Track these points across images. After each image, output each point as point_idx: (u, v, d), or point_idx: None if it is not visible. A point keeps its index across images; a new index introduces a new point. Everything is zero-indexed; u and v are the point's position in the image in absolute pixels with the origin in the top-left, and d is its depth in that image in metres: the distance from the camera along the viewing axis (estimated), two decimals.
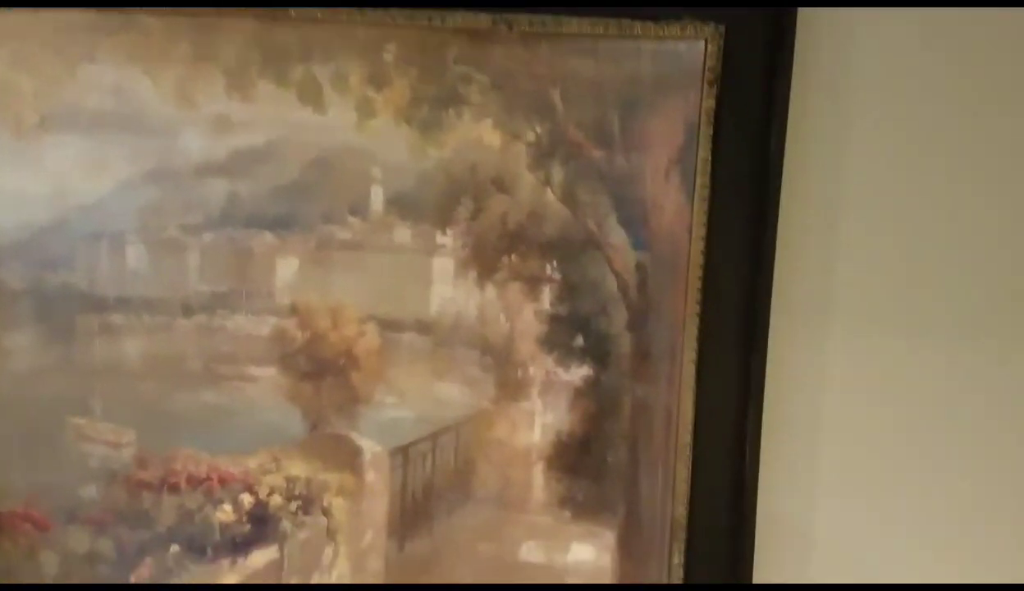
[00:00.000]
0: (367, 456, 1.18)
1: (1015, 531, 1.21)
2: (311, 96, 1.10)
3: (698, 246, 1.11)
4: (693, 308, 1.13)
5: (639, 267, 1.14)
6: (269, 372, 1.15)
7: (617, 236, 1.13)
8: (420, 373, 1.16)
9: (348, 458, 1.18)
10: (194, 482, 1.16)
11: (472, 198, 1.12)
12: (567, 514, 1.19)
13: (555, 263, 1.14)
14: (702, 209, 1.11)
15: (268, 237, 1.13)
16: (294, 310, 1.14)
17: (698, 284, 1.12)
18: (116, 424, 1.15)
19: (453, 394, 1.17)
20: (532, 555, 1.20)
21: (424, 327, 1.15)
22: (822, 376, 1.18)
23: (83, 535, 1.16)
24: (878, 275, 1.17)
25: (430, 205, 1.13)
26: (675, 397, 1.15)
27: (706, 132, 1.10)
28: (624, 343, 1.16)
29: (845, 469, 1.20)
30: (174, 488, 1.16)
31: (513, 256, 1.14)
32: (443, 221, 1.13)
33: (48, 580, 1.16)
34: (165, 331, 1.14)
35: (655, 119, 1.11)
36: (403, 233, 1.13)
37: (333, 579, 1.19)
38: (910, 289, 1.17)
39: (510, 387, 1.17)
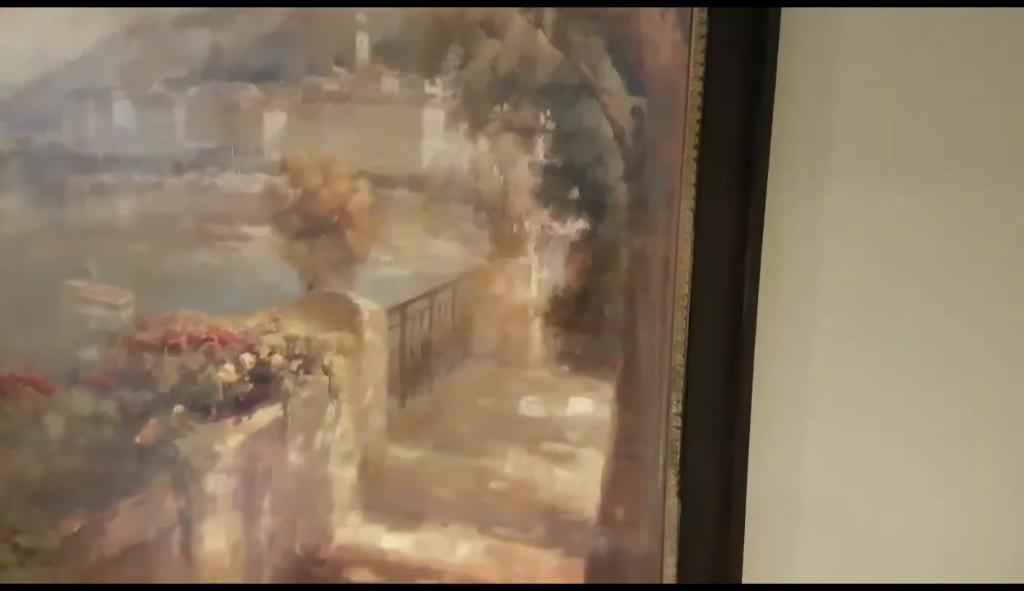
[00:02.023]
0: (365, 315, 1.06)
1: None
2: None
3: (696, 87, 0.96)
4: (691, 153, 0.98)
5: (635, 112, 0.99)
6: (263, 231, 1.02)
7: (612, 80, 0.98)
8: (414, 230, 1.03)
9: (346, 317, 1.05)
10: (195, 342, 1.04)
11: (460, 44, 0.97)
12: (565, 368, 1.07)
13: (548, 112, 0.99)
14: (699, 48, 0.95)
15: (253, 90, 0.99)
16: (284, 167, 1.01)
17: (696, 128, 0.97)
18: (113, 286, 1.02)
19: (448, 251, 1.04)
20: (531, 409, 1.08)
21: (416, 182, 1.01)
22: (820, 223, 1.03)
23: (86, 397, 1.05)
24: (879, 120, 1.01)
25: (417, 52, 0.97)
26: (673, 247, 1.01)
27: None
28: (621, 193, 1.01)
29: (843, 313, 1.06)
30: (175, 349, 1.04)
31: (505, 105, 0.99)
32: (431, 70, 0.98)
33: (54, 443, 1.05)
34: (156, 190, 1.01)
35: None
36: (391, 83, 0.99)
37: (337, 436, 1.08)
38: (911, 135, 1.01)
39: (505, 243, 1.04)
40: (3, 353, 1.03)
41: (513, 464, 1.09)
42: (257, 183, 1.01)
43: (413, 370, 1.07)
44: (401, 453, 1.09)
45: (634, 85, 0.98)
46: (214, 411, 1.06)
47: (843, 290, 1.04)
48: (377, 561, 1.10)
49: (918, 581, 1.10)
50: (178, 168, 1.00)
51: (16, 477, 1.07)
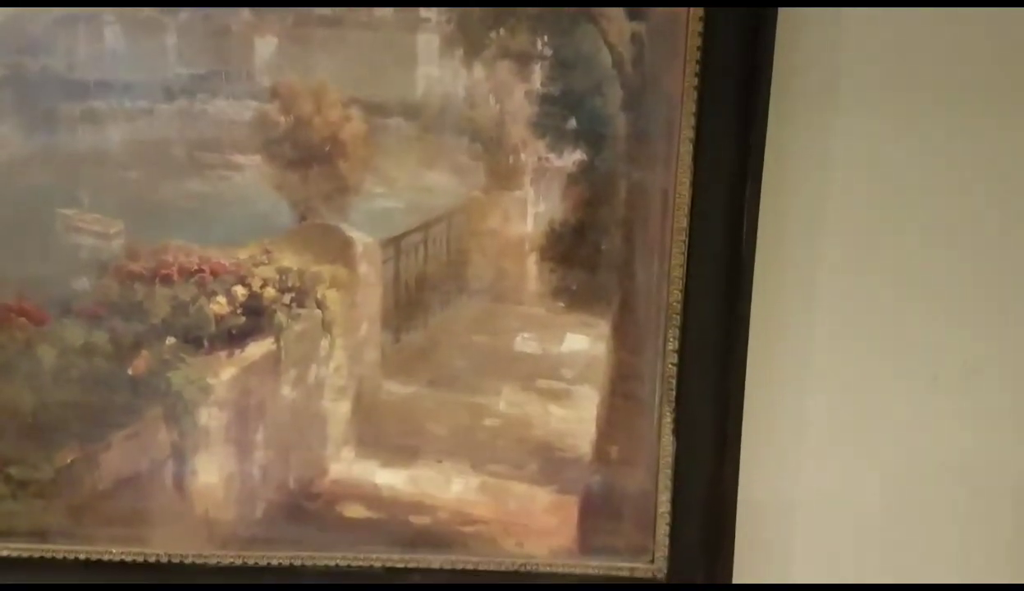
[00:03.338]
0: (358, 248, 1.03)
1: None
2: None
3: (697, 12, 0.92)
4: (691, 82, 0.94)
5: (635, 39, 0.95)
6: (254, 160, 0.99)
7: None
8: (408, 161, 1.00)
9: (339, 250, 1.03)
10: (186, 274, 1.02)
11: None
12: (561, 305, 1.04)
13: (546, 38, 0.96)
14: None
15: (244, 13, 0.95)
16: (275, 93, 0.97)
17: (696, 55, 0.93)
18: (104, 214, 1.00)
19: (443, 183, 1.01)
20: (526, 346, 1.06)
21: (411, 111, 0.98)
22: (823, 154, 1.00)
23: (78, 328, 1.02)
24: (884, 47, 0.98)
25: None
26: (672, 179, 0.98)
27: None
28: (619, 124, 0.98)
29: (845, 246, 1.02)
30: (166, 280, 1.01)
31: (501, 31, 0.95)
32: None
33: (47, 374, 1.03)
34: (147, 117, 0.97)
35: None
36: (384, 7, 0.94)
37: (330, 371, 1.06)
38: (916, 63, 0.97)
39: (501, 175, 1.00)
40: None
41: (507, 401, 1.07)
42: (248, 110, 0.97)
43: (407, 305, 1.05)
44: (395, 388, 1.07)
45: (634, 10, 0.94)
46: (206, 344, 1.03)
47: (846, 222, 1.02)
48: (371, 496, 1.08)
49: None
50: (169, 94, 0.96)
51: (9, 408, 1.04)
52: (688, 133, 0.96)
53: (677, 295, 1.00)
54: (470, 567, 1.09)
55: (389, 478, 1.09)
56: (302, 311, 1.04)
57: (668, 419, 1.03)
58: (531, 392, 1.07)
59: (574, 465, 1.07)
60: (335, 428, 1.07)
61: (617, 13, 0.94)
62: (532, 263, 1.03)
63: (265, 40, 0.95)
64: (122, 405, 1.04)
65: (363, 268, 1.03)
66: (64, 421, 1.05)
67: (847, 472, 1.10)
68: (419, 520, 1.09)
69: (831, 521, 1.11)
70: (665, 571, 1.07)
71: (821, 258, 1.03)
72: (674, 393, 1.03)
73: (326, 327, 1.05)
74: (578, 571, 1.08)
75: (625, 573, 1.08)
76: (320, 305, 1.04)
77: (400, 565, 1.09)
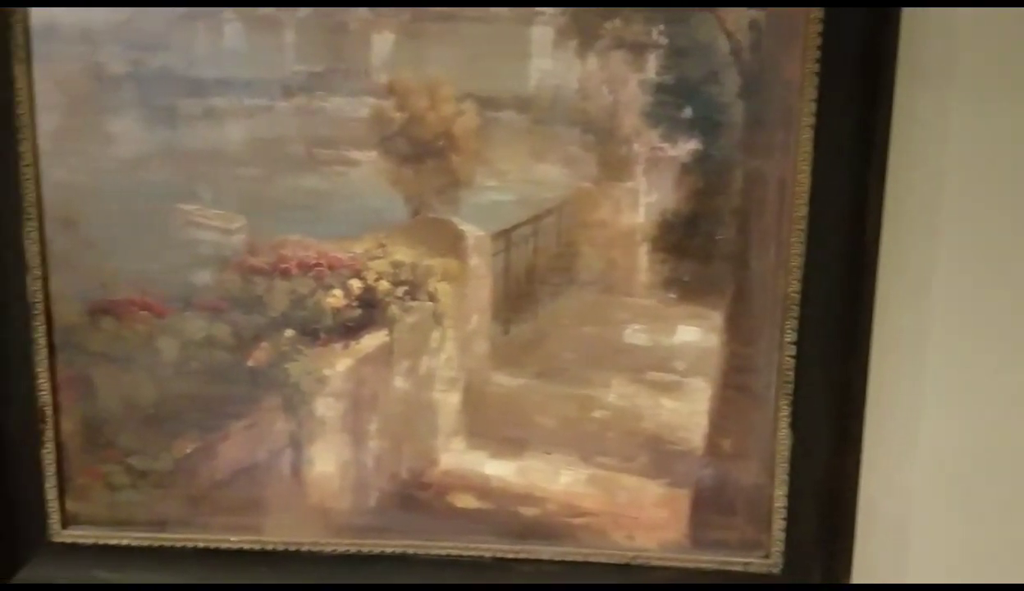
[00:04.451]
0: (470, 241, 1.02)
1: None
2: None
3: None
4: (811, 68, 0.92)
5: (753, 25, 0.93)
6: (370, 156, 1.00)
7: None
8: (519, 153, 0.99)
9: (451, 243, 1.03)
10: (304, 268, 1.03)
11: None
12: (672, 296, 1.02)
13: (662, 27, 0.94)
14: None
15: (362, 11, 0.95)
16: (391, 90, 0.97)
17: (817, 41, 0.91)
18: (224, 210, 1.01)
19: (554, 175, 1.00)
20: (636, 337, 1.04)
21: (522, 104, 0.97)
22: (947, 142, 0.96)
23: (199, 321, 1.04)
24: (1008, 33, 0.93)
25: None
26: (790, 167, 0.95)
27: None
28: (736, 111, 0.95)
29: (969, 234, 0.98)
30: (285, 273, 1.03)
31: (616, 21, 0.94)
32: None
33: (167, 366, 1.05)
34: (266, 114, 0.99)
35: None
36: None
37: (441, 362, 1.06)
38: None
39: (613, 165, 0.99)
40: (118, 277, 1.03)
41: (617, 393, 1.06)
42: (364, 107, 0.98)
43: (517, 296, 1.04)
44: (504, 380, 1.06)
45: None
46: (323, 335, 1.04)
47: (966, 212, 0.97)
48: (480, 487, 1.08)
49: None
50: (288, 91, 0.97)
51: (130, 399, 1.07)
52: (808, 120, 0.93)
53: (795, 285, 0.97)
54: (580, 559, 1.08)
55: (498, 469, 1.08)
56: (414, 303, 1.04)
57: (785, 412, 1.01)
58: (641, 384, 1.05)
59: (685, 458, 1.06)
60: (445, 419, 1.07)
61: None
62: (643, 254, 1.01)
63: (382, 36, 0.96)
64: (241, 396, 1.06)
65: (474, 261, 1.03)
66: (184, 412, 1.07)
67: (966, 468, 1.05)
68: (528, 511, 1.08)
69: (949, 518, 1.07)
70: (780, 566, 1.04)
71: (941, 249, 0.99)
72: (791, 386, 1.00)
73: (437, 319, 1.05)
74: (690, 565, 1.06)
75: (739, 568, 1.06)
76: (432, 297, 1.04)
77: (510, 556, 1.08)
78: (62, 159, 1.00)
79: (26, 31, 0.97)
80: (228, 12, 0.96)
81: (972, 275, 1.00)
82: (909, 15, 0.90)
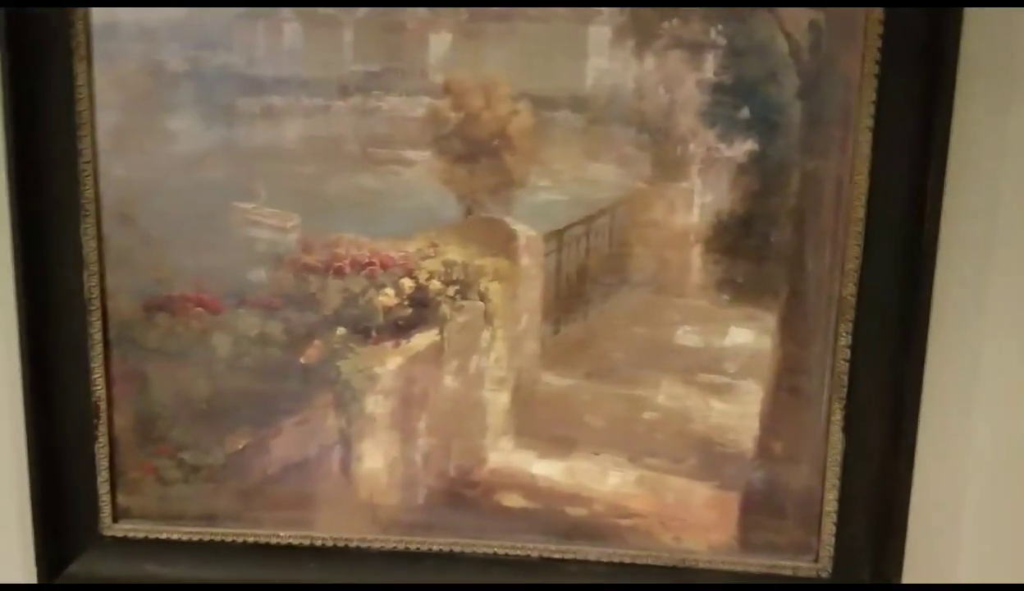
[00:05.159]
0: (522, 241, 1.02)
1: None
2: None
3: None
4: (871, 69, 0.91)
5: (813, 26, 0.92)
6: (424, 155, 0.99)
7: None
8: (573, 153, 0.99)
9: (503, 243, 1.02)
10: (357, 266, 1.03)
11: None
12: (725, 297, 1.01)
13: (720, 27, 0.93)
14: None
15: (420, 10, 0.95)
16: (447, 89, 0.97)
17: (877, 43, 0.90)
18: (280, 208, 1.01)
19: (607, 175, 0.99)
20: (687, 339, 1.03)
21: (578, 103, 0.97)
22: (1003, 145, 0.94)
23: (253, 318, 1.04)
24: None
25: None
26: (847, 168, 0.94)
27: None
28: (794, 112, 0.94)
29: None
30: (339, 272, 1.03)
31: (674, 20, 0.93)
32: None
33: (220, 362, 1.06)
34: (323, 113, 0.99)
35: None
36: None
37: (491, 362, 1.05)
38: None
39: (667, 166, 0.98)
40: (174, 273, 1.04)
41: (667, 394, 1.05)
42: (420, 106, 0.98)
43: (568, 297, 1.03)
44: (554, 380, 1.06)
45: None
46: (374, 334, 1.04)
47: None
48: (528, 486, 1.08)
49: None
50: (344, 91, 0.97)
51: (183, 394, 1.07)
52: (867, 121, 0.92)
53: (851, 288, 0.96)
54: (627, 561, 1.07)
55: (546, 469, 1.08)
56: (465, 303, 1.04)
57: (838, 416, 1.00)
58: (691, 385, 1.04)
59: (735, 461, 1.05)
60: (494, 418, 1.07)
61: None
62: (696, 255, 1.01)
63: (439, 36, 0.95)
64: (293, 393, 1.06)
65: (525, 261, 1.03)
66: (236, 407, 1.07)
67: (1019, 471, 1.04)
68: (575, 511, 1.08)
69: (1002, 522, 1.05)
70: (830, 570, 1.03)
71: (998, 252, 0.98)
72: (845, 389, 0.99)
73: (488, 319, 1.04)
74: (739, 568, 1.05)
75: (788, 571, 1.04)
76: (483, 297, 1.04)
77: (556, 556, 1.08)
78: (121, 156, 1.01)
79: (87, 29, 0.98)
80: (287, 12, 0.96)
81: None
82: (971, 15, 0.89)
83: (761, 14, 0.92)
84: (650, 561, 1.07)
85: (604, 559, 1.07)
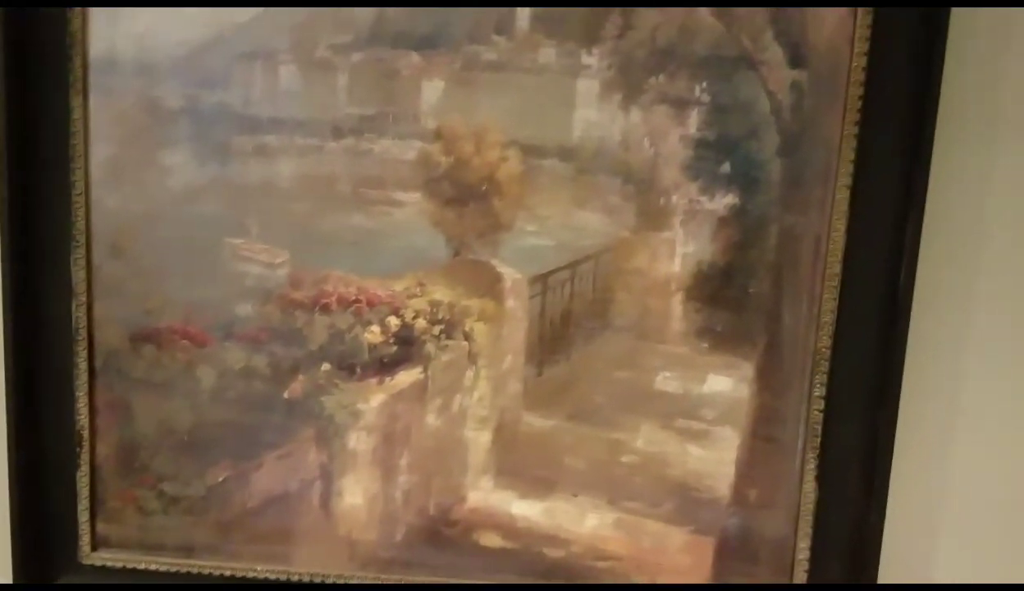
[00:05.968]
0: (507, 283, 1.03)
1: None
2: None
3: (860, 61, 0.91)
4: (851, 130, 0.93)
5: (795, 86, 0.94)
6: (414, 197, 1.01)
7: (773, 52, 0.94)
8: (561, 200, 1.00)
9: (489, 284, 1.03)
10: (344, 303, 1.04)
11: (620, 12, 0.93)
12: (705, 345, 1.03)
13: (705, 84, 0.95)
14: (865, 21, 0.90)
15: (414, 57, 0.97)
16: (439, 134, 0.99)
17: (858, 104, 0.92)
18: (270, 244, 1.02)
19: (593, 222, 1.01)
20: (668, 385, 1.04)
21: (566, 153, 0.99)
22: (985, 207, 0.97)
23: (239, 351, 1.05)
24: None
25: (577, 21, 0.95)
26: (826, 225, 0.96)
27: None
28: (774, 169, 0.97)
29: (1005, 302, 0.99)
30: (326, 308, 1.03)
31: (661, 77, 0.96)
32: (590, 39, 0.95)
33: (205, 394, 1.06)
34: (316, 153, 1.00)
35: None
36: (548, 53, 0.96)
37: (474, 401, 1.06)
38: None
39: (651, 216, 1.00)
40: (163, 304, 1.04)
41: (646, 438, 1.06)
42: (412, 150, 0.99)
43: (552, 339, 1.05)
44: (536, 421, 1.06)
45: (796, 58, 0.93)
46: (359, 370, 1.05)
47: (1006, 279, 0.98)
48: (507, 526, 1.08)
49: None
50: (338, 132, 0.99)
51: (166, 425, 1.07)
52: (845, 180, 0.94)
53: (826, 340, 0.98)
54: None
55: (525, 509, 1.08)
56: (450, 342, 1.05)
57: (811, 465, 1.01)
58: (670, 431, 1.05)
59: (711, 506, 1.06)
60: (475, 457, 1.08)
61: (779, 60, 0.93)
62: (677, 303, 1.02)
63: (432, 83, 0.97)
64: (276, 426, 1.06)
65: (511, 302, 1.04)
66: (219, 440, 1.07)
67: (994, 523, 1.05)
68: (553, 552, 1.08)
69: (976, 573, 1.06)
70: None
71: (972, 308, 1.00)
72: (819, 439, 1.00)
73: (472, 358, 1.05)
74: None
75: None
76: (467, 337, 1.05)
77: None
78: (114, 189, 1.02)
79: (84, 64, 0.99)
80: (284, 54, 0.97)
81: (1005, 338, 1.00)
82: (950, 77, 0.91)
83: (745, 72, 0.94)
84: None
85: None
